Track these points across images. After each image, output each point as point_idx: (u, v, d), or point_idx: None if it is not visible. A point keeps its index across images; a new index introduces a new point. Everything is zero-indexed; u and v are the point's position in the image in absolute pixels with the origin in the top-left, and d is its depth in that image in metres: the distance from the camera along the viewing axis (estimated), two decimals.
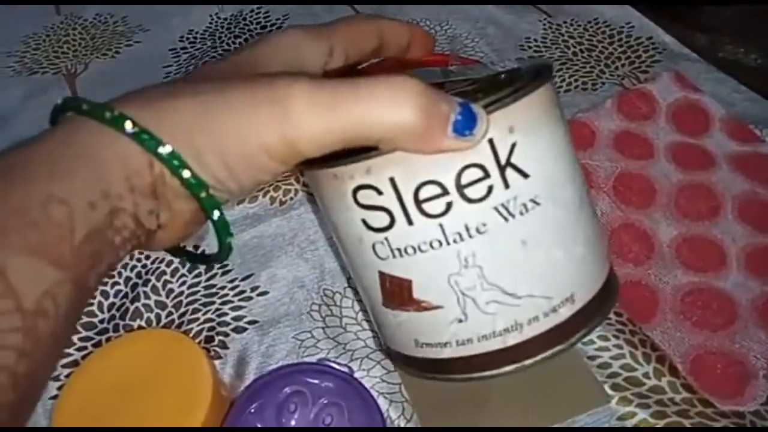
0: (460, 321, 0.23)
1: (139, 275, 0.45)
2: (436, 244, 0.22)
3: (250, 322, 0.42)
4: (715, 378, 0.35)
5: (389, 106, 0.20)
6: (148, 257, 0.46)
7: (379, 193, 0.22)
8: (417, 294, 0.23)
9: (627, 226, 0.42)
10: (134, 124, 0.20)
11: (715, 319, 0.37)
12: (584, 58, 0.60)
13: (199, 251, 0.45)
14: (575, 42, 0.62)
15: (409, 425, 0.37)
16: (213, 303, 0.43)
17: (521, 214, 0.22)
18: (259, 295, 0.43)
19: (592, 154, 0.45)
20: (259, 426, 0.34)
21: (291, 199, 0.49)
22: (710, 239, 0.41)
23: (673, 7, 0.63)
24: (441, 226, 0.22)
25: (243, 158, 0.21)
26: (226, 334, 0.41)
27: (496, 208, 0.22)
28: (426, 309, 0.24)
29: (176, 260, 0.45)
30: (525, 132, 0.22)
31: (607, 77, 0.58)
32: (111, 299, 0.44)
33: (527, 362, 0.24)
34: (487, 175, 0.22)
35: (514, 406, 0.37)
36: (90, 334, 0.42)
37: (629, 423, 0.36)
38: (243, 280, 0.44)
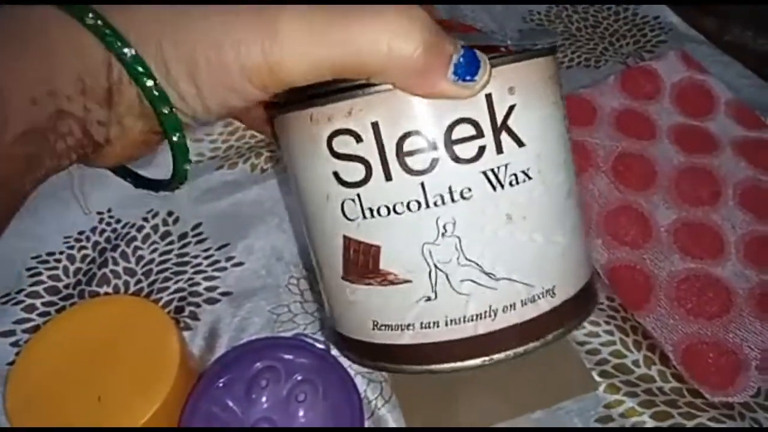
0: (428, 299, 0.21)
1: (108, 240, 0.43)
2: (414, 206, 0.20)
3: (223, 294, 0.40)
4: (706, 368, 0.34)
5: (393, 33, 0.17)
6: (118, 221, 0.43)
7: (358, 140, 0.20)
8: (384, 264, 0.21)
9: (625, 208, 0.40)
10: (98, 16, 0.17)
11: (710, 307, 0.36)
12: (588, 34, 0.58)
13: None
14: (580, 17, 0.60)
15: (386, 405, 0.35)
16: (185, 272, 0.41)
17: (510, 185, 0.20)
18: (234, 265, 0.41)
19: (592, 132, 0.43)
20: (228, 402, 0.32)
21: (272, 167, 0.47)
22: (709, 225, 0.39)
23: None
24: (422, 185, 0.20)
25: (216, 73, 0.18)
26: (198, 305, 0.39)
27: (485, 173, 0.20)
28: (392, 282, 0.21)
29: (148, 226, 0.43)
30: (525, 96, 0.20)
31: (611, 55, 0.56)
32: (77, 264, 0.42)
33: (496, 356, 0.21)
34: (480, 134, 0.19)
35: (499, 389, 0.35)
36: (53, 299, 0.40)
37: (616, 411, 0.34)
38: (218, 249, 0.42)
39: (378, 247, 0.21)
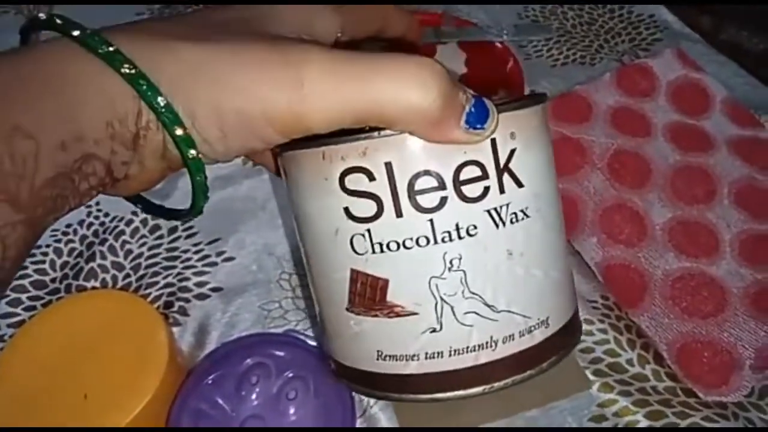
0: (434, 331, 0.22)
1: (95, 234, 0.42)
2: (422, 241, 0.21)
3: (213, 289, 0.39)
4: (700, 367, 0.34)
5: (413, 86, 0.19)
6: (107, 215, 0.43)
7: (372, 178, 0.20)
8: (391, 296, 0.22)
9: (620, 206, 0.40)
10: (132, 65, 0.17)
11: (705, 306, 0.35)
12: (583, 31, 0.58)
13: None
14: (575, 14, 0.59)
15: (378, 404, 0.34)
16: (174, 267, 0.40)
17: (511, 222, 0.21)
18: (225, 260, 0.41)
19: (588, 129, 0.43)
20: (217, 399, 0.31)
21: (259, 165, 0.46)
22: (704, 224, 0.39)
23: None
24: (431, 222, 0.21)
25: (241, 120, 0.19)
26: (187, 300, 0.39)
27: (488, 212, 0.21)
28: (398, 315, 0.22)
29: (137, 220, 0.42)
30: (524, 141, 0.22)
31: (606, 52, 0.55)
32: (64, 257, 0.41)
33: (496, 384, 0.22)
34: (485, 176, 0.21)
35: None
36: (40, 293, 0.39)
37: (610, 410, 0.34)
38: (209, 244, 0.41)
39: (386, 281, 0.21)
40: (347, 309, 0.23)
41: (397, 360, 0.22)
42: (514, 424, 0.34)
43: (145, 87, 0.17)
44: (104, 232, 0.42)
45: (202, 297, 0.39)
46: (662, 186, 0.41)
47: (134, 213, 0.42)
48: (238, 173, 0.45)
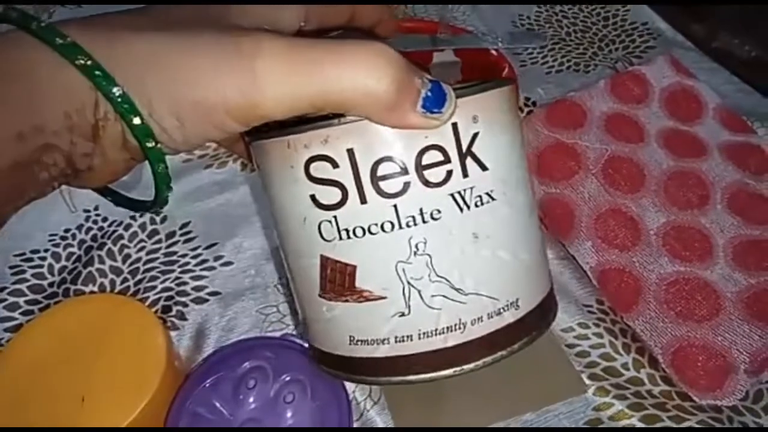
0: (402, 315, 0.22)
1: (94, 238, 0.42)
2: (387, 227, 0.21)
3: (211, 293, 0.39)
4: (695, 371, 0.34)
5: (366, 72, 0.19)
6: (105, 219, 0.43)
7: (335, 165, 0.21)
8: (360, 282, 0.22)
9: (614, 211, 0.40)
10: (87, 56, 0.18)
11: (699, 310, 0.36)
12: (577, 39, 0.58)
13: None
14: (569, 22, 0.60)
15: (375, 407, 0.35)
16: (172, 271, 0.40)
17: (476, 206, 0.22)
18: (222, 265, 0.41)
19: (582, 135, 0.43)
20: (215, 403, 0.31)
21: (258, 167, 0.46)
22: (698, 228, 0.39)
23: None
24: (395, 207, 0.21)
25: (198, 110, 0.19)
26: (185, 305, 0.39)
27: (452, 195, 0.21)
28: (367, 299, 0.22)
29: (135, 224, 0.42)
30: (487, 124, 0.22)
31: (600, 60, 0.56)
32: (62, 262, 0.41)
33: (466, 367, 0.22)
34: (447, 160, 0.21)
35: (488, 391, 0.35)
36: (38, 297, 0.39)
37: (605, 414, 0.34)
38: (206, 249, 0.41)
39: (354, 266, 0.22)
40: (320, 295, 0.23)
41: (368, 344, 0.23)
42: (509, 427, 0.34)
43: (100, 77, 0.17)
44: (103, 237, 0.42)
45: (200, 301, 0.39)
46: (656, 191, 0.41)
47: (132, 218, 0.43)
48: (236, 178, 0.46)
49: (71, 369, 0.31)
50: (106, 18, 0.20)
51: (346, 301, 0.22)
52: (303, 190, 0.21)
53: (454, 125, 0.21)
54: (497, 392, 0.35)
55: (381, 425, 0.34)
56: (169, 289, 0.39)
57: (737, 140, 0.43)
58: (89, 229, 0.42)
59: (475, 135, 0.21)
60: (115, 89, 0.18)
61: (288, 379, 0.32)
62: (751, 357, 0.34)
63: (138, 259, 0.41)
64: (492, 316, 0.22)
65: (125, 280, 0.40)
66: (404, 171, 0.21)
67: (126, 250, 0.41)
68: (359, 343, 0.23)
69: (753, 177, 0.41)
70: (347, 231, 0.21)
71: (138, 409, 0.30)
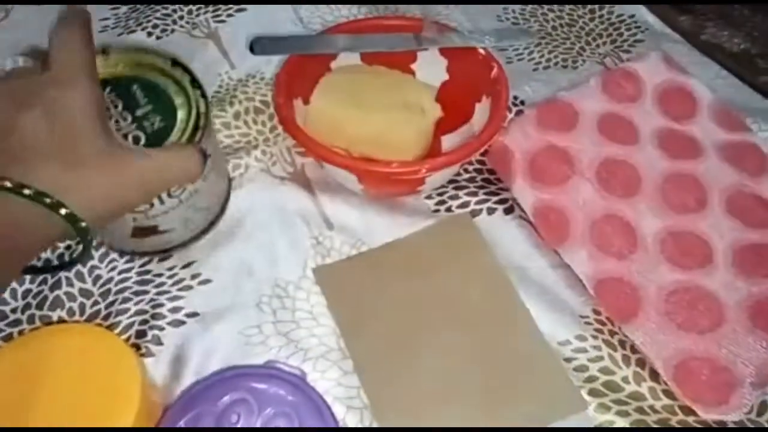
0: None
1: (60, 257, 0.39)
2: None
3: (189, 315, 0.37)
4: (699, 385, 0.33)
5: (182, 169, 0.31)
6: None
7: None
8: None
9: (610, 216, 0.39)
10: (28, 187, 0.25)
11: (702, 320, 0.34)
12: (564, 33, 0.56)
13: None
14: (555, 16, 0.58)
15: None
16: (147, 292, 0.38)
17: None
18: (200, 283, 0.38)
19: (575, 137, 0.41)
20: None
21: (241, 174, 0.44)
22: (697, 234, 0.38)
23: None
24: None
25: (101, 215, 0.28)
26: (161, 328, 0.36)
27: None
28: None
29: (105, 244, 0.40)
30: None
31: (588, 55, 0.54)
32: (26, 285, 0.38)
33: None
34: None
35: (485, 411, 0.34)
36: (0, 325, 0.36)
37: None
38: (183, 268, 0.39)
39: None
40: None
41: None
42: None
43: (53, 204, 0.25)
44: (71, 255, 0.39)
45: (177, 324, 0.37)
46: (652, 195, 0.40)
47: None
48: None
49: (38, 407, 0.29)
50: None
51: None
52: None
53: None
54: (494, 411, 0.34)
55: None
56: (144, 311, 0.37)
57: (733, 139, 0.42)
58: (55, 247, 0.40)
59: None
60: (62, 210, 0.25)
61: (273, 412, 0.30)
62: (757, 369, 0.33)
63: (109, 280, 0.38)
64: None
65: (96, 302, 0.37)
66: None
67: (96, 271, 0.38)
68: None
69: (751, 178, 0.40)
70: None
71: None
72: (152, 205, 0.33)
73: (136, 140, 0.33)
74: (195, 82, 0.35)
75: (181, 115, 0.34)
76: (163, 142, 0.33)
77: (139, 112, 0.34)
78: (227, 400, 0.30)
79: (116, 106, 0.34)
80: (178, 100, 0.34)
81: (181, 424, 0.30)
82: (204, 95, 0.35)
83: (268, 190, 0.43)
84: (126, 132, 0.33)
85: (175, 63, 0.36)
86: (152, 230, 0.35)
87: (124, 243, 0.38)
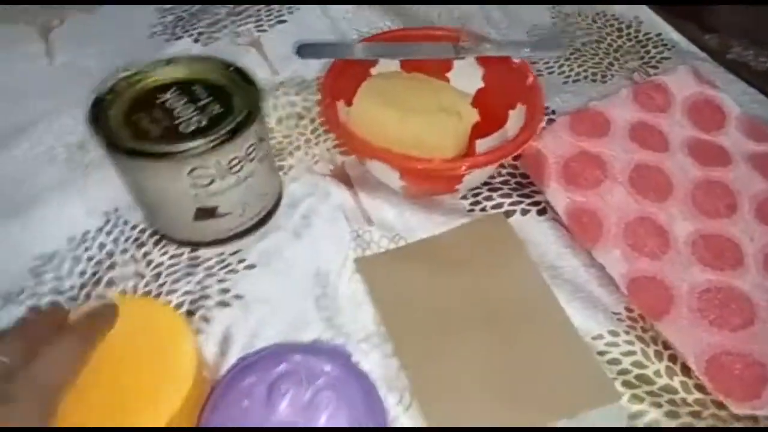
0: None
1: (115, 241, 0.41)
2: None
3: (236, 297, 0.39)
4: (731, 379, 0.34)
5: None
6: (126, 222, 0.42)
7: None
8: None
9: (643, 219, 0.40)
10: None
11: (734, 318, 0.35)
12: (593, 49, 0.59)
13: None
14: (584, 33, 0.61)
15: (407, 413, 0.34)
16: (196, 275, 0.40)
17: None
18: (246, 268, 0.40)
19: (607, 144, 0.43)
20: (248, 407, 0.31)
21: (285, 173, 0.46)
22: (728, 237, 0.39)
23: (683, 6, 0.62)
24: None
25: None
26: (209, 309, 0.38)
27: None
28: None
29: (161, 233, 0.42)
30: None
31: (617, 69, 0.56)
32: (82, 265, 0.40)
33: None
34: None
35: (521, 399, 0.35)
36: (59, 299, 0.38)
37: (641, 421, 0.34)
38: (231, 255, 0.41)
39: None
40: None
41: None
42: None
43: None
44: (124, 241, 0.41)
45: (224, 305, 0.38)
46: (683, 200, 0.41)
47: None
48: None
49: (98, 376, 0.30)
50: None
51: None
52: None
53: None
54: (529, 399, 0.35)
55: None
56: (192, 292, 0.39)
57: (762, 150, 0.44)
58: (109, 232, 0.42)
59: None
60: None
61: (321, 384, 0.31)
62: None
63: (160, 263, 0.40)
64: None
65: (147, 283, 0.39)
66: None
67: (149, 257, 0.40)
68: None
69: None
70: None
71: (167, 418, 0.29)
72: (213, 180, 0.35)
73: (198, 124, 0.35)
74: (248, 79, 0.38)
75: (236, 102, 0.36)
76: (221, 123, 0.35)
77: (200, 104, 0.36)
78: (278, 372, 0.31)
79: (180, 101, 0.36)
80: (234, 92, 0.37)
81: (234, 393, 0.31)
82: (256, 88, 0.37)
83: (310, 186, 0.45)
84: (188, 118, 0.35)
85: (229, 66, 0.38)
86: (212, 212, 0.37)
87: (185, 230, 0.39)
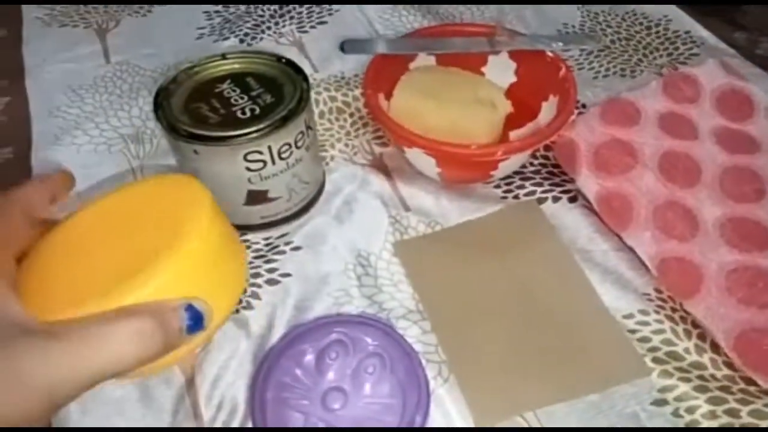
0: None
1: None
2: None
3: (283, 275, 0.41)
4: (760, 355, 0.35)
5: (134, 346, 0.23)
6: None
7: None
8: None
9: (672, 203, 0.41)
10: None
11: (762, 296, 0.37)
12: (622, 46, 0.60)
13: None
14: (613, 31, 0.62)
15: (445, 386, 0.36)
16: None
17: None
18: (293, 249, 0.43)
19: (638, 132, 0.45)
20: (298, 373, 0.33)
21: (327, 163, 0.48)
22: (755, 220, 0.40)
23: (712, 5, 0.63)
24: None
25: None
26: (259, 286, 0.41)
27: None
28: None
29: None
30: None
31: (646, 65, 0.58)
32: None
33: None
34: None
35: (554, 373, 0.36)
36: None
37: (671, 395, 0.35)
38: (278, 238, 0.43)
39: None
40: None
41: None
42: (574, 407, 0.35)
43: None
44: None
45: (273, 282, 0.41)
46: (711, 185, 0.42)
47: None
48: None
49: (108, 229, 0.30)
50: None
51: None
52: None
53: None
54: (562, 374, 0.36)
55: (449, 403, 0.35)
56: None
57: None
58: None
59: None
60: None
61: (369, 352, 0.34)
62: None
63: None
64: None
65: None
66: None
67: None
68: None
69: None
70: None
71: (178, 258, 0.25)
72: (265, 164, 0.38)
73: (252, 111, 0.38)
74: (298, 69, 0.41)
75: (287, 92, 0.39)
76: (274, 110, 0.37)
77: (253, 93, 0.39)
78: (327, 340, 0.34)
79: (235, 91, 0.39)
80: (284, 83, 0.40)
81: (286, 360, 0.33)
82: (305, 78, 0.40)
83: (351, 175, 0.47)
84: (243, 106, 0.38)
85: (280, 59, 0.41)
86: (263, 196, 0.40)
87: (236, 214, 0.41)
